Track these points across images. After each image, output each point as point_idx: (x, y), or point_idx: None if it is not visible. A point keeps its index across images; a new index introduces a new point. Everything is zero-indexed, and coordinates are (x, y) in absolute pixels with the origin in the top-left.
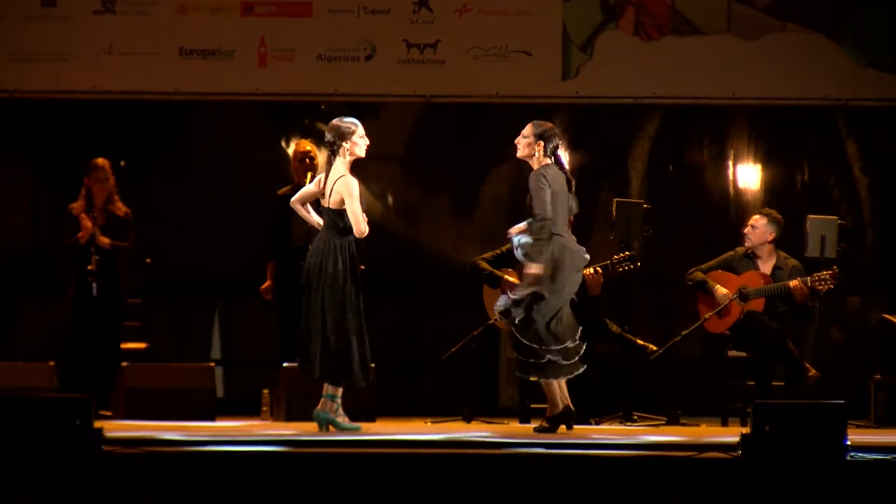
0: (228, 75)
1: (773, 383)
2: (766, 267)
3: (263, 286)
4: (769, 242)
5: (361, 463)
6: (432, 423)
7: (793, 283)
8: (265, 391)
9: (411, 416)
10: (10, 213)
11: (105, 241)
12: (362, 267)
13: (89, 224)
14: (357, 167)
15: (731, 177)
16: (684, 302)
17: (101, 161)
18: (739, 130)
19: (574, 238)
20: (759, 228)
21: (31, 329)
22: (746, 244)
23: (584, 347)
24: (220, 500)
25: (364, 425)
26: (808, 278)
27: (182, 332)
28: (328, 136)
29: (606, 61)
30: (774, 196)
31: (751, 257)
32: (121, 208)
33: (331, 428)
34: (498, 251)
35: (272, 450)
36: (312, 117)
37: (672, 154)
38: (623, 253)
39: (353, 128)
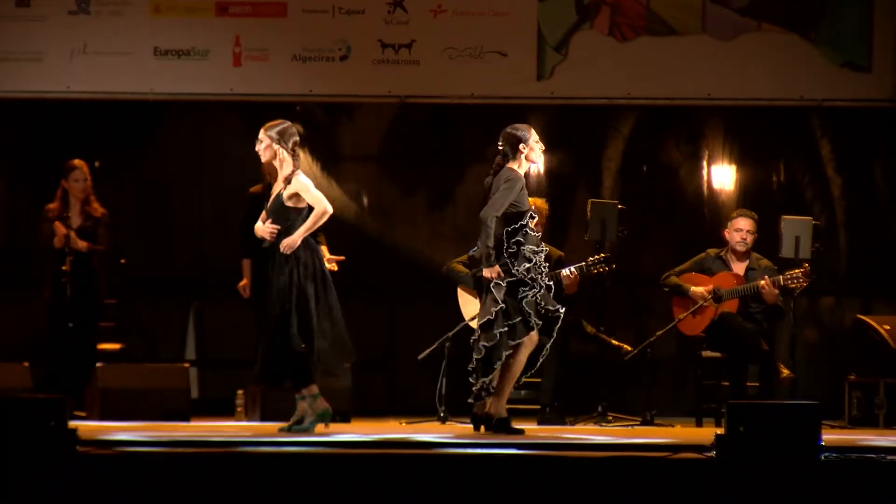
0: (203, 75)
1: (748, 384)
2: (739, 268)
3: (241, 284)
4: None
5: (336, 463)
6: (407, 423)
7: (761, 282)
8: (240, 391)
9: (386, 416)
10: None
11: (82, 244)
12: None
13: (63, 230)
14: (332, 167)
15: (705, 177)
16: (659, 302)
17: (77, 162)
18: (714, 131)
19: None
20: (753, 233)
21: (6, 329)
22: (741, 249)
23: None
24: (195, 501)
25: (339, 426)
26: (780, 277)
27: (156, 333)
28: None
29: (581, 61)
30: (749, 196)
31: (723, 258)
32: (97, 209)
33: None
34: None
35: (247, 450)
36: (287, 118)
37: (647, 154)
38: (598, 254)
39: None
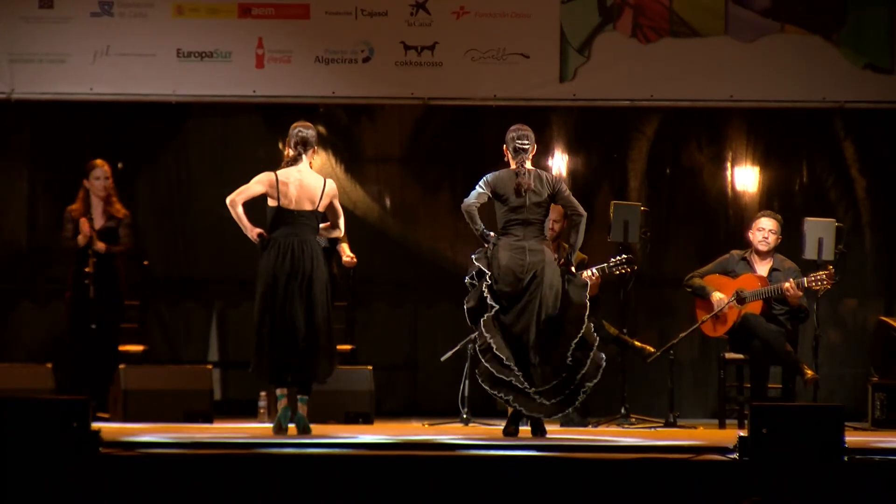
0: (226, 77)
1: (771, 385)
2: (763, 269)
3: None
4: None
5: (359, 465)
6: (429, 425)
7: (785, 284)
8: (262, 393)
9: (409, 418)
10: (8, 214)
11: (101, 246)
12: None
13: (87, 228)
14: (354, 169)
15: (728, 179)
16: (682, 304)
17: (99, 162)
18: (737, 132)
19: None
20: (775, 233)
21: (29, 331)
22: (762, 248)
23: None
24: (217, 503)
25: (362, 427)
26: (805, 279)
27: (179, 334)
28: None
29: (604, 63)
30: (772, 198)
31: (747, 260)
32: (119, 210)
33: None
34: None
35: (270, 452)
36: (310, 119)
37: (670, 156)
38: (621, 255)
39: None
